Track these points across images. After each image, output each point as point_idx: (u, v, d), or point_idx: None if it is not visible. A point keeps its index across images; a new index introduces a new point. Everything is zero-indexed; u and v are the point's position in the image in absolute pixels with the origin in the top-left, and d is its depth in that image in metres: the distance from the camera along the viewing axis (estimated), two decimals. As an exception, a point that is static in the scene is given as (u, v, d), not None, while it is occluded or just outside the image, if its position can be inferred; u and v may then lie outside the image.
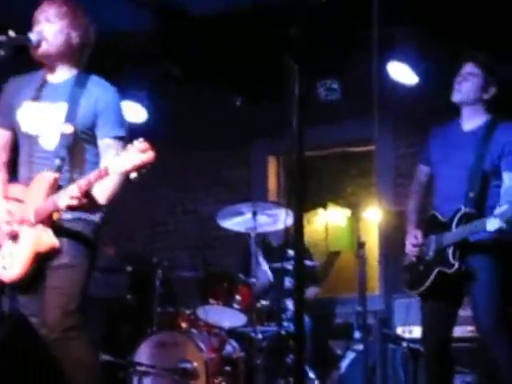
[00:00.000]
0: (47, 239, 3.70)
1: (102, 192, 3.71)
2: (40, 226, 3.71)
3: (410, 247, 4.65)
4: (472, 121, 4.60)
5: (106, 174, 3.54)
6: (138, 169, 3.45)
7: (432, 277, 4.45)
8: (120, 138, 3.85)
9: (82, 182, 3.58)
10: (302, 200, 2.76)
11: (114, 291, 6.93)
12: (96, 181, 3.56)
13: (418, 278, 4.57)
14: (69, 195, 3.57)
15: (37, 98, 3.88)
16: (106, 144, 3.83)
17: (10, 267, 3.76)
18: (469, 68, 4.60)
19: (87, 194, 3.60)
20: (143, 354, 5.81)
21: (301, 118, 2.84)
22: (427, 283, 4.48)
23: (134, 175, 3.47)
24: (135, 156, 3.44)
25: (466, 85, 4.57)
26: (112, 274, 6.95)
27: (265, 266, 6.40)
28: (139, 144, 3.45)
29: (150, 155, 3.45)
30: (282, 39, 3.02)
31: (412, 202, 4.83)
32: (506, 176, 4.42)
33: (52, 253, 3.71)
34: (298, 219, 2.73)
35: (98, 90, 3.87)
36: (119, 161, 3.48)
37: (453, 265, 4.35)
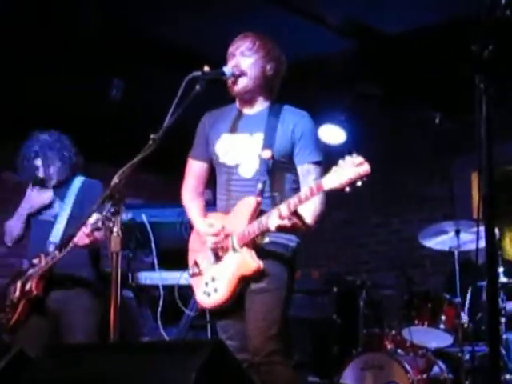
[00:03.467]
0: (252, 262, 3.76)
1: (310, 212, 3.73)
2: (244, 249, 3.78)
3: None
4: None
5: (320, 190, 3.51)
6: (354, 182, 3.37)
7: None
8: (318, 163, 3.89)
9: (291, 201, 3.59)
10: (493, 214, 2.68)
11: (320, 312, 6.98)
12: (307, 199, 3.55)
13: None
14: (278, 215, 3.60)
15: (234, 130, 4.00)
16: (306, 170, 3.88)
17: (214, 292, 3.86)
18: None
19: (296, 214, 3.62)
20: (350, 375, 5.81)
21: (489, 135, 2.76)
22: None
23: (348, 189, 3.39)
24: (351, 170, 3.36)
25: None
26: (318, 295, 7.02)
27: None
28: (354, 158, 3.37)
29: (366, 168, 3.35)
30: (469, 54, 2.96)
31: None
32: None
33: (257, 275, 3.77)
34: (490, 234, 2.65)
35: (294, 118, 3.94)
36: (333, 176, 3.42)
37: None
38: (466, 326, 5.81)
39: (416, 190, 8.17)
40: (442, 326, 5.88)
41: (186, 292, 4.96)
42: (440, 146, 7.91)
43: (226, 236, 3.85)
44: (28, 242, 5.21)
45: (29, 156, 5.15)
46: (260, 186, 3.82)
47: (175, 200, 5.93)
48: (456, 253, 5.92)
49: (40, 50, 6.23)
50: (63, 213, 5.05)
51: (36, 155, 5.13)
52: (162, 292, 5.42)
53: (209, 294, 3.89)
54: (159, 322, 5.39)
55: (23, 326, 4.92)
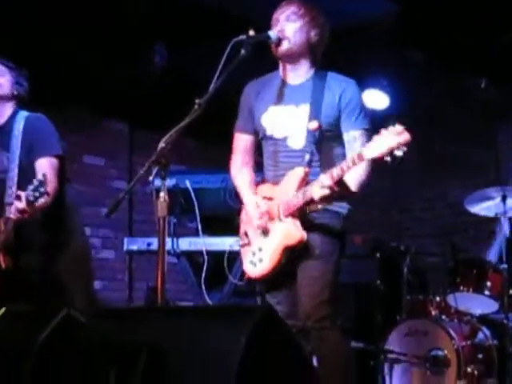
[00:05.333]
0: (296, 232, 3.75)
1: (355, 180, 3.71)
2: (289, 219, 3.77)
3: None
4: None
5: (361, 159, 3.52)
6: (393, 151, 3.38)
7: None
8: (365, 130, 3.86)
9: (334, 171, 3.59)
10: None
11: (363, 277, 6.97)
12: (349, 168, 3.56)
13: None
14: (321, 185, 3.61)
15: (279, 101, 3.97)
16: (352, 136, 3.85)
17: (259, 262, 3.87)
18: None
19: (340, 183, 3.61)
20: (394, 341, 5.80)
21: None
22: None
23: (393, 158, 3.40)
24: (391, 138, 3.38)
25: None
26: (361, 260, 7.00)
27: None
28: (395, 127, 3.39)
29: (406, 137, 3.36)
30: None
31: None
32: None
33: (301, 245, 3.77)
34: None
35: (340, 85, 3.90)
36: (374, 145, 3.44)
37: None
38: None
39: (460, 156, 8.11)
40: (487, 293, 5.84)
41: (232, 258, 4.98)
42: (485, 112, 7.82)
43: (271, 217, 3.85)
44: None
45: None
46: (307, 156, 3.82)
47: (218, 166, 5.96)
48: (502, 219, 5.87)
49: (84, 17, 6.24)
50: (12, 165, 4.49)
51: None
52: (205, 258, 5.43)
53: (255, 264, 3.90)
54: (203, 288, 5.40)
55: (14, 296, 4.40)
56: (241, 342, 2.48)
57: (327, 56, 4.04)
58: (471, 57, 7.25)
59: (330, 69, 4.00)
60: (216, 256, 5.53)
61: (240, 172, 4.10)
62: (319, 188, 3.61)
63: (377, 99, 7.49)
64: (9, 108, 4.67)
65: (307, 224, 3.80)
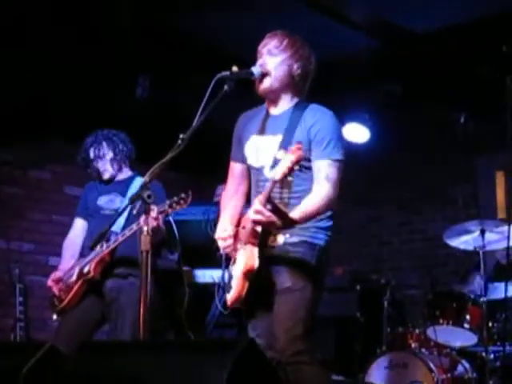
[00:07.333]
0: (250, 259, 3.73)
1: (299, 210, 3.72)
2: (248, 246, 3.75)
3: None
4: None
5: (273, 183, 3.62)
6: (292, 169, 3.55)
7: None
8: (334, 161, 3.83)
9: (261, 197, 3.65)
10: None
11: (344, 310, 7.00)
12: (267, 193, 3.62)
13: None
14: (253, 210, 3.64)
15: (261, 131, 3.99)
16: (317, 167, 3.84)
17: (230, 291, 3.86)
18: None
19: (275, 210, 3.62)
20: (374, 374, 5.81)
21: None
22: None
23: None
24: (288, 159, 3.55)
25: None
26: (341, 292, 7.03)
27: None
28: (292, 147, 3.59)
29: (299, 154, 3.54)
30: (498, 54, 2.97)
31: None
32: None
33: (255, 273, 3.73)
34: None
35: (313, 117, 3.89)
36: (278, 167, 3.58)
37: None
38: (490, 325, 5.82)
39: (439, 189, 8.16)
40: (466, 326, 5.87)
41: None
42: (463, 145, 7.88)
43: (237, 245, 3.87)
44: (86, 235, 5.33)
45: (85, 147, 5.33)
46: (267, 185, 3.75)
47: (200, 198, 5.98)
48: (481, 253, 5.91)
49: (66, 48, 6.27)
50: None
51: (90, 146, 5.30)
52: (187, 289, 5.43)
53: (229, 291, 3.89)
54: (184, 319, 5.41)
55: (72, 309, 5.07)
56: (223, 376, 2.50)
57: (308, 89, 4.07)
58: (450, 91, 7.34)
59: (311, 102, 4.01)
60: (196, 288, 5.55)
61: (230, 200, 4.11)
62: (252, 212, 3.65)
63: (358, 133, 7.55)
64: (126, 168, 5.37)
65: (279, 255, 3.81)
